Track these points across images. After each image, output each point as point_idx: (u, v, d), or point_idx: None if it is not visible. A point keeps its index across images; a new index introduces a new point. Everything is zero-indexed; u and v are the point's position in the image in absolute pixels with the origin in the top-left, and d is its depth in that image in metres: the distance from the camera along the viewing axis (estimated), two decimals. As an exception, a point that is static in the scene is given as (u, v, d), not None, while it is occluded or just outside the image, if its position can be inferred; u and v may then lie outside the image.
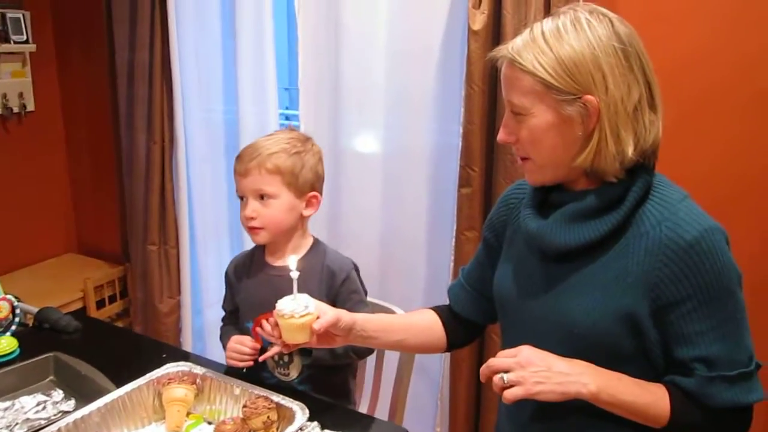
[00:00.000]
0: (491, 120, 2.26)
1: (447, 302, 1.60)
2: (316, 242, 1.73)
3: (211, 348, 3.14)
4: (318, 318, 1.33)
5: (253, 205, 1.61)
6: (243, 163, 1.61)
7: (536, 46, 1.18)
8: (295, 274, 1.32)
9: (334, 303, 1.63)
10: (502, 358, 1.16)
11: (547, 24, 1.20)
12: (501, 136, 1.27)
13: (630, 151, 1.18)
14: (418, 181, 2.54)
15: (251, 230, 1.63)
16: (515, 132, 1.24)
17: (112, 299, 3.39)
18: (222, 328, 1.81)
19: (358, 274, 1.71)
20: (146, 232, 3.22)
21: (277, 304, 1.33)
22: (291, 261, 1.34)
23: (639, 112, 1.19)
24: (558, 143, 1.21)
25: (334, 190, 2.61)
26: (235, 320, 1.78)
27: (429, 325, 1.55)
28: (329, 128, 2.66)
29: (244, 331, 1.72)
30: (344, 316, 1.37)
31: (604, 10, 1.21)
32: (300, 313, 1.32)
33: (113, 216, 3.44)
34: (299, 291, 1.36)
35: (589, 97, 1.16)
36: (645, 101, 1.19)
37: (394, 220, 2.61)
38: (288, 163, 1.62)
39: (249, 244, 1.84)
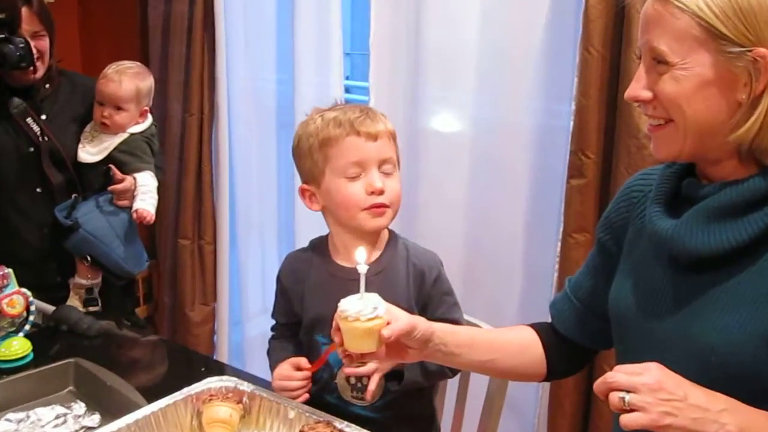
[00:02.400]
0: (612, 93, 2.26)
1: (549, 319, 1.61)
2: (394, 235, 1.77)
3: (253, 369, 3.23)
4: (389, 324, 1.35)
5: (381, 177, 1.65)
6: (369, 125, 1.64)
7: None
8: (363, 268, 1.35)
9: (424, 309, 1.67)
10: (626, 375, 1.16)
11: None
12: (632, 91, 1.26)
13: None
14: (516, 170, 2.56)
15: (376, 209, 1.65)
16: (652, 87, 1.23)
17: (135, 303, 3.52)
18: (272, 341, 1.86)
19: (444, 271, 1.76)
20: (177, 224, 3.34)
21: (340, 304, 1.36)
22: (359, 253, 1.38)
23: None
24: (712, 106, 1.19)
25: (411, 178, 2.65)
26: (289, 333, 1.83)
27: (525, 345, 1.56)
28: (406, 102, 2.70)
29: (311, 345, 1.76)
30: (421, 324, 1.39)
31: None
32: (367, 315, 1.33)
33: (138, 203, 3.57)
34: (378, 295, 1.38)
35: (763, 50, 1.15)
36: None
37: (484, 216, 2.64)
38: (396, 133, 1.70)
39: (302, 242, 1.89)
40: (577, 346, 1.57)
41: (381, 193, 1.64)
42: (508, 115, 2.56)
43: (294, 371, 1.68)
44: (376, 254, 1.71)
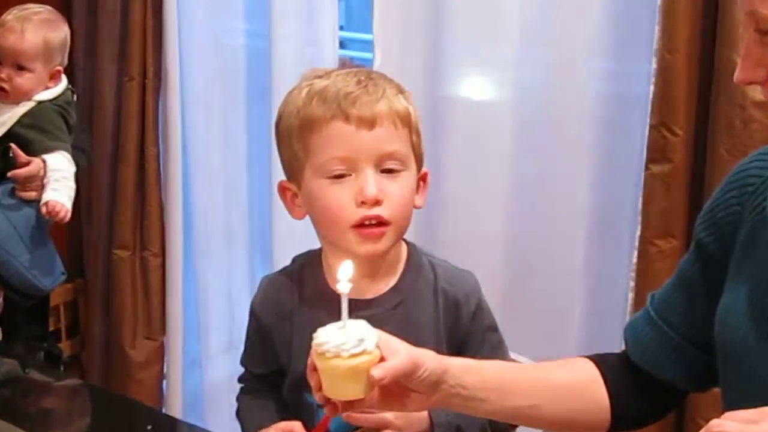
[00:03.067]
0: (707, 46, 2.26)
1: (618, 349, 1.61)
2: (415, 252, 1.74)
3: (216, 425, 3.21)
4: (382, 360, 1.34)
5: (378, 180, 1.59)
6: (363, 105, 1.58)
7: None
8: (345, 287, 1.33)
9: (460, 352, 1.63)
10: (738, 424, 1.13)
11: None
12: (741, 74, 1.27)
13: None
14: (575, 153, 2.56)
15: (368, 229, 1.59)
16: (764, 63, 1.24)
17: (54, 338, 3.50)
18: (242, 398, 1.85)
19: (483, 297, 1.74)
20: (112, 229, 3.32)
21: (315, 336, 1.35)
22: (343, 269, 1.34)
23: None
24: None
25: (431, 164, 2.58)
26: (266, 387, 1.82)
27: (582, 384, 1.55)
28: (424, 61, 2.70)
29: (300, 407, 1.74)
30: (428, 360, 1.37)
31: None
32: (350, 350, 1.32)
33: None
34: (366, 322, 1.37)
35: None
36: None
37: (532, 215, 2.65)
38: (413, 111, 1.65)
39: (282, 254, 1.86)
40: (658, 384, 1.54)
41: (375, 203, 1.57)
42: (563, 78, 2.56)
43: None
44: (392, 281, 1.69)
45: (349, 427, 1.63)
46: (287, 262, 1.83)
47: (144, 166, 3.26)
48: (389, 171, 1.59)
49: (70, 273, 3.53)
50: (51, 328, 3.49)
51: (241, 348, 1.86)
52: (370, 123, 1.58)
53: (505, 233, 2.69)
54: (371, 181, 1.56)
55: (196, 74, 3.23)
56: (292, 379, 1.73)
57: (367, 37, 2.80)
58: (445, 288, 1.69)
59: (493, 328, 1.73)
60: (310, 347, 1.62)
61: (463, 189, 2.69)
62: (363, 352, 1.32)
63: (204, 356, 3.39)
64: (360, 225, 1.58)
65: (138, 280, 3.35)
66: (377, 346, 1.34)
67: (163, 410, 3.32)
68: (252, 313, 1.80)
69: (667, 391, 1.56)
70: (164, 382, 3.40)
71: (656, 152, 2.33)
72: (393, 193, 1.59)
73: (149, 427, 1.79)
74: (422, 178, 1.69)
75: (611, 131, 2.53)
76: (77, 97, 3.05)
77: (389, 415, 1.59)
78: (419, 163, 1.67)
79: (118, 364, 3.39)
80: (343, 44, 3.39)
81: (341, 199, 1.58)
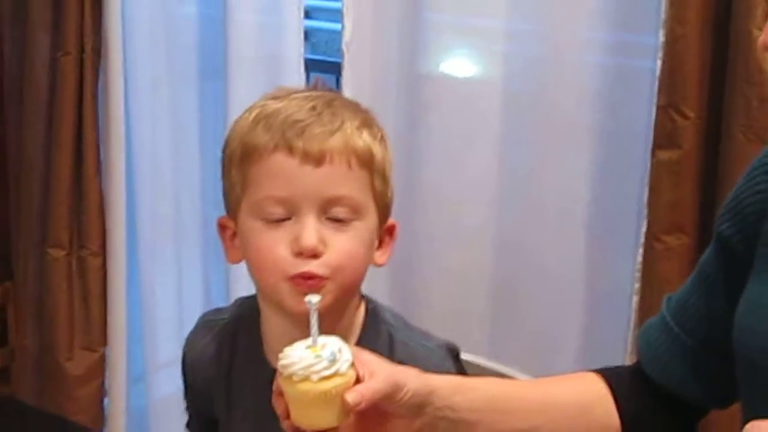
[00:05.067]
0: (721, 17, 2.26)
1: (627, 362, 1.60)
2: (371, 318, 1.68)
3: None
4: (357, 383, 1.33)
5: (318, 229, 1.53)
6: (313, 137, 1.51)
7: None
8: (314, 299, 1.33)
9: None
10: None
11: None
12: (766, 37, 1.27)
13: None
14: (573, 137, 2.56)
15: (303, 282, 1.52)
16: None
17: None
18: None
19: (460, 368, 1.67)
20: (45, 225, 3.31)
21: (281, 355, 1.34)
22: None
23: None
24: None
25: (410, 152, 2.65)
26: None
27: (589, 401, 1.55)
28: (401, 34, 2.71)
29: None
30: (411, 380, 1.37)
31: None
32: (321, 372, 1.32)
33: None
34: (339, 338, 1.36)
35: None
36: None
37: (522, 208, 2.65)
38: (379, 151, 1.58)
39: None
40: (676, 400, 1.55)
41: (313, 255, 1.50)
42: (559, 52, 2.57)
43: None
44: (356, 335, 1.66)
45: None
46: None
47: (81, 154, 3.24)
48: (336, 220, 1.54)
49: (-4, 275, 3.52)
50: (-25, 338, 3.49)
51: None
52: (317, 159, 1.51)
53: (492, 229, 2.69)
54: (310, 229, 1.50)
55: (141, 48, 3.21)
56: None
57: (335, 5, 2.79)
58: (403, 362, 1.63)
59: None
60: (246, 417, 1.65)
61: (444, 179, 2.70)
62: (335, 374, 1.32)
63: (151, 369, 3.38)
64: (294, 278, 1.51)
65: (75, 282, 3.33)
66: (352, 366, 1.33)
67: (105, 431, 3.33)
68: (183, 365, 1.79)
69: (686, 408, 1.56)
70: (105, 398, 3.39)
71: (664, 137, 2.33)
72: (336, 245, 1.52)
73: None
74: (388, 231, 1.63)
75: (613, 113, 2.53)
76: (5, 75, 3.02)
77: None
78: (383, 214, 1.60)
79: (52, 378, 3.37)
80: (309, 14, 3.37)
81: (276, 247, 1.52)
